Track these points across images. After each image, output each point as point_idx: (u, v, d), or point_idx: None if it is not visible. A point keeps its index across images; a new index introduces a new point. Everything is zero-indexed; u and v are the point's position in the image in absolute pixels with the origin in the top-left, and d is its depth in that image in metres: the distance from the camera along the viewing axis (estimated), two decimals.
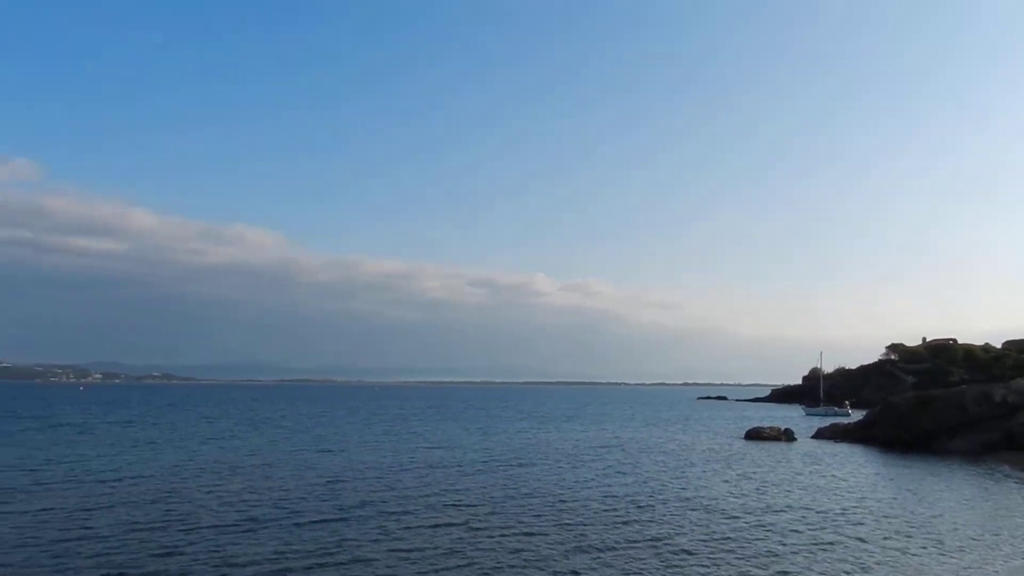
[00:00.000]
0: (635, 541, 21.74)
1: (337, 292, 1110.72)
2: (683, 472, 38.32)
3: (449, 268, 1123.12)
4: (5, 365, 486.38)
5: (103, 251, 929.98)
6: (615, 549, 20.71)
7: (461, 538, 21.70)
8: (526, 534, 22.45)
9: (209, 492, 29.39)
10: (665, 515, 25.97)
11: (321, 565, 18.52)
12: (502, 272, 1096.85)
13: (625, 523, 24.38)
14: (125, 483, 31.36)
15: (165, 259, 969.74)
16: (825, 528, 24.20)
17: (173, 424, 71.31)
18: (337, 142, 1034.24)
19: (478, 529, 22.98)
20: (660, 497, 29.86)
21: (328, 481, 32.58)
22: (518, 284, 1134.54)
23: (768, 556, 20.23)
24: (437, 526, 23.32)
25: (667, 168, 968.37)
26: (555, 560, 19.45)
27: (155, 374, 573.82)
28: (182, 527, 22.60)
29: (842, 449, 52.82)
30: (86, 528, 22.24)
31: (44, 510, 24.98)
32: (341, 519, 24.21)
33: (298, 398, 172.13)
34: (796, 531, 23.65)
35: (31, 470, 34.86)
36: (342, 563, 18.74)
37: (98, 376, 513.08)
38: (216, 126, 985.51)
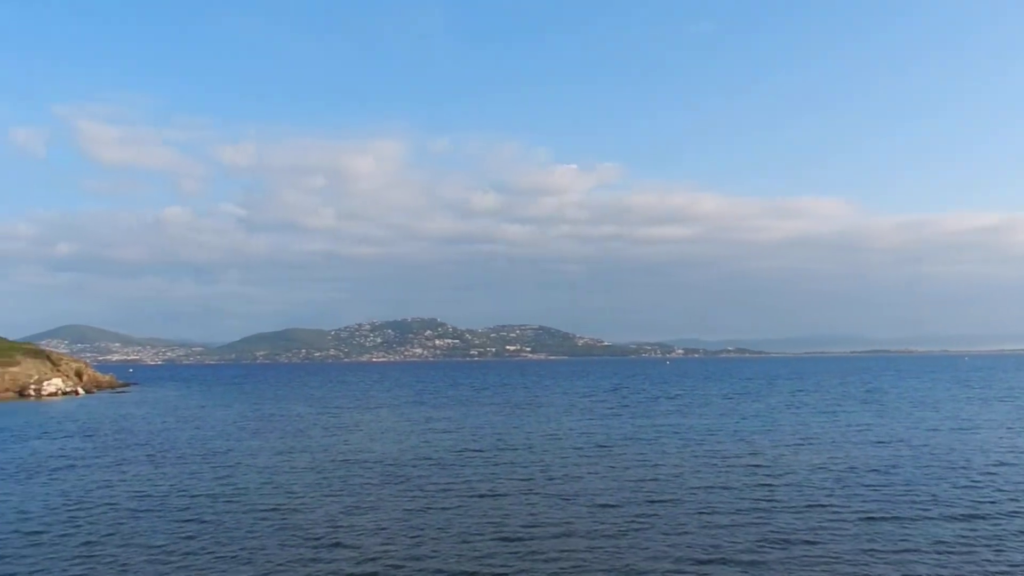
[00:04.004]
0: None
1: (910, 256, 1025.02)
2: None
3: None
4: (607, 344, 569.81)
5: (676, 237, 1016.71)
6: None
7: None
8: None
9: (811, 469, 29.12)
10: None
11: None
12: None
13: None
14: (732, 455, 33.07)
15: (731, 239, 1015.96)
16: None
17: (765, 397, 72.25)
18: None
19: None
20: None
21: (972, 470, 28.84)
22: None
23: None
24: None
25: None
26: None
27: (729, 348, 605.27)
28: (776, 506, 22.71)
29: None
30: (707, 503, 23.72)
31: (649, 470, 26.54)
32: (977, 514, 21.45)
33: (885, 371, 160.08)
34: None
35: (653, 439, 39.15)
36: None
37: (680, 352, 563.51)
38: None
